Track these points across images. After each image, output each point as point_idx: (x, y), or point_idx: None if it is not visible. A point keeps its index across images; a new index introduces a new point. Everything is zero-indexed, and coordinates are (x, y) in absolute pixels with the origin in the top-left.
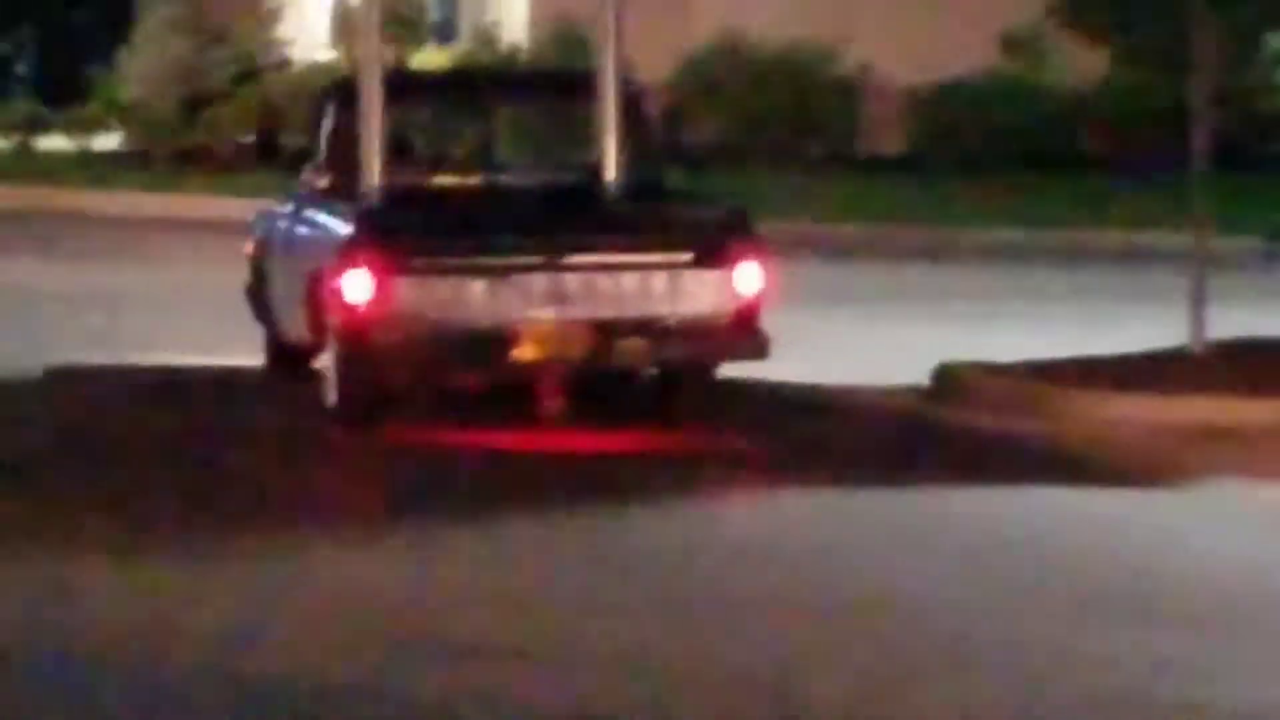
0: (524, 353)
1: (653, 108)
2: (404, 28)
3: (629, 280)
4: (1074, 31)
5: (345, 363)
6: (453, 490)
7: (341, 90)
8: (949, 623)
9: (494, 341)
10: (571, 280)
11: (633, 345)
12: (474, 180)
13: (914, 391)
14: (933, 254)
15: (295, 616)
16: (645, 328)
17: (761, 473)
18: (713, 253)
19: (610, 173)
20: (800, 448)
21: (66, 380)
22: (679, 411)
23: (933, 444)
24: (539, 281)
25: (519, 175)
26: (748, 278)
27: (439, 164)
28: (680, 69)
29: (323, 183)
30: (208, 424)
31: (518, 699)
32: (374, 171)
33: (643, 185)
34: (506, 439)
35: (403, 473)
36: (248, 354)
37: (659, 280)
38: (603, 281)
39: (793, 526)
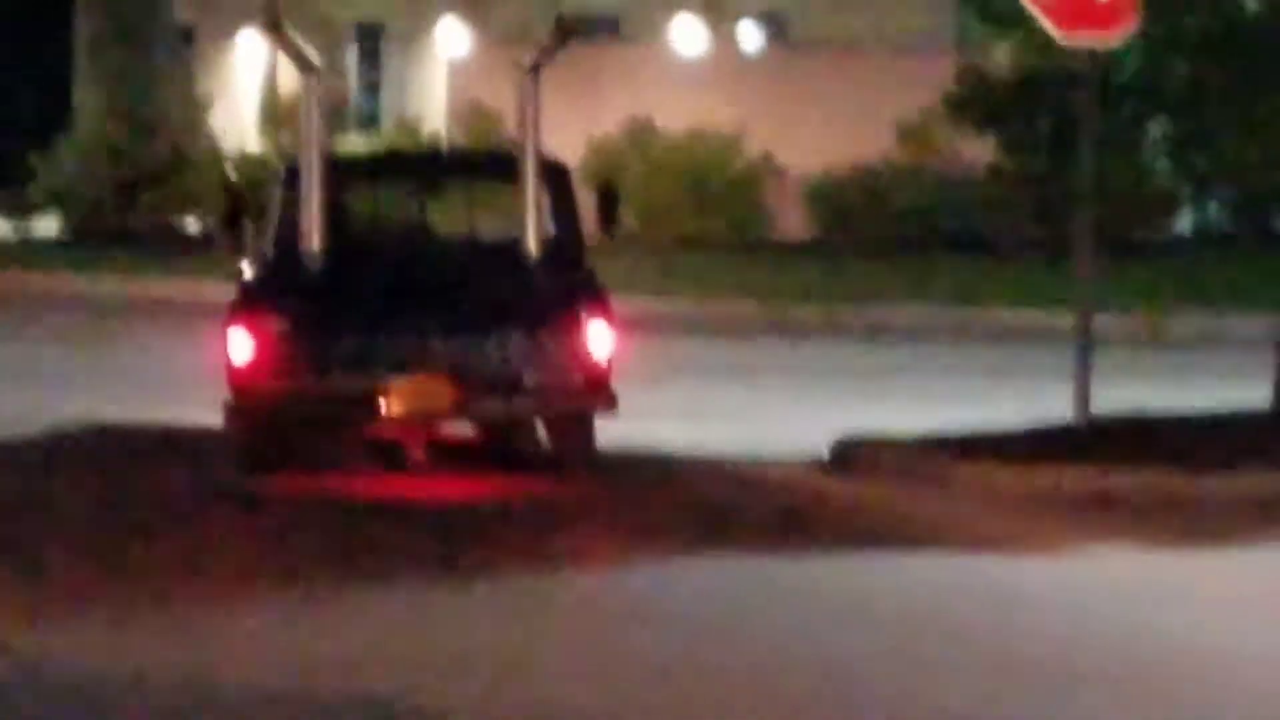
0: (390, 408)
1: (573, 188)
2: (330, 116)
3: (488, 343)
4: (961, 123)
5: (231, 415)
6: (329, 541)
7: (286, 172)
8: (840, 683)
9: (362, 398)
10: (436, 344)
11: (489, 402)
12: (386, 251)
13: (813, 462)
14: (831, 331)
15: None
16: (501, 386)
17: (655, 535)
18: (564, 320)
19: (530, 245)
20: (701, 514)
21: None
22: (564, 469)
23: (829, 512)
24: (404, 344)
25: (427, 247)
26: (597, 342)
27: (365, 237)
28: (590, 155)
29: (268, 254)
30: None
31: None
32: (313, 243)
33: (541, 257)
34: (384, 486)
35: (269, 523)
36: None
37: (516, 344)
38: (463, 344)
39: (691, 589)
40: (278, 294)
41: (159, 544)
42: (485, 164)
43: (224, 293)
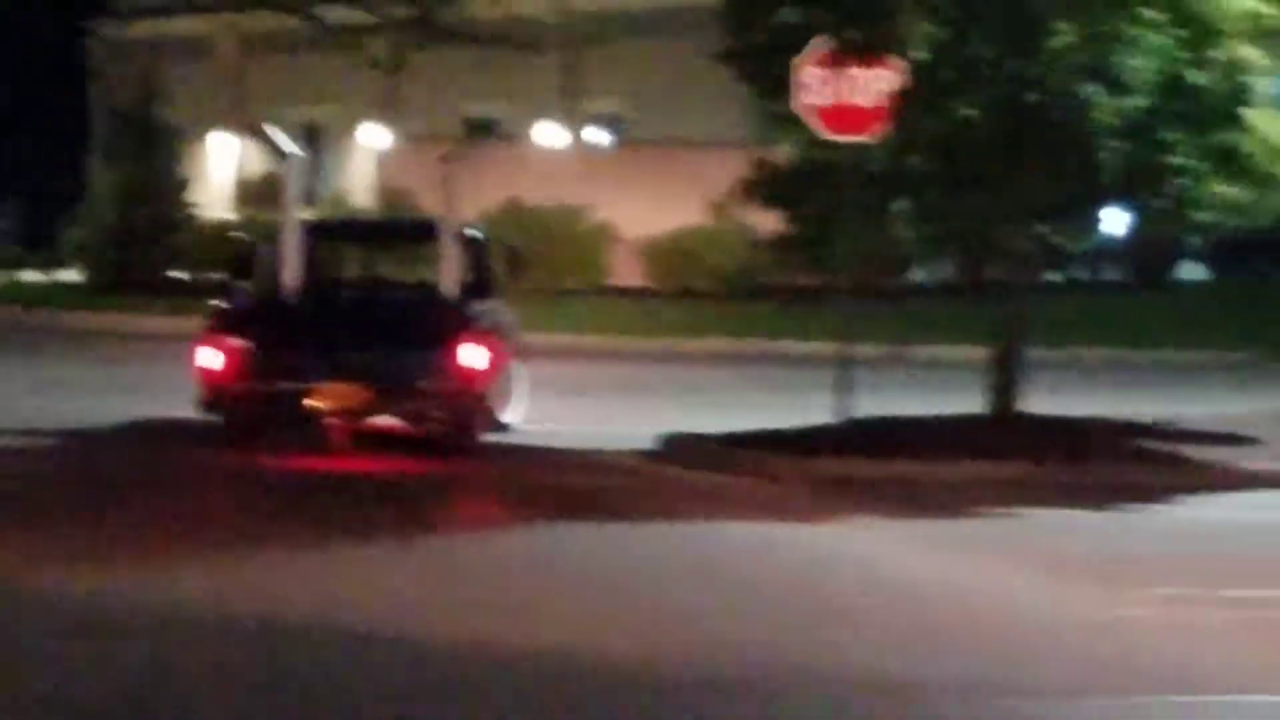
0: (316, 404)
1: (486, 249)
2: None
3: (393, 359)
4: (753, 200)
5: (199, 408)
6: (281, 501)
7: (268, 236)
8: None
9: (296, 396)
10: (353, 359)
11: (392, 402)
12: (334, 292)
13: (645, 453)
14: (655, 357)
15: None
16: (402, 391)
17: (526, 504)
18: (448, 343)
19: (446, 289)
20: (561, 489)
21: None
22: (453, 453)
23: (656, 489)
24: (330, 360)
25: (366, 292)
26: (473, 360)
27: (323, 281)
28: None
29: (242, 292)
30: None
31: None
32: (290, 286)
33: (452, 299)
34: (312, 462)
35: (241, 490)
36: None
37: (413, 360)
38: (374, 360)
39: (558, 545)
40: (236, 322)
41: (181, 502)
42: (418, 229)
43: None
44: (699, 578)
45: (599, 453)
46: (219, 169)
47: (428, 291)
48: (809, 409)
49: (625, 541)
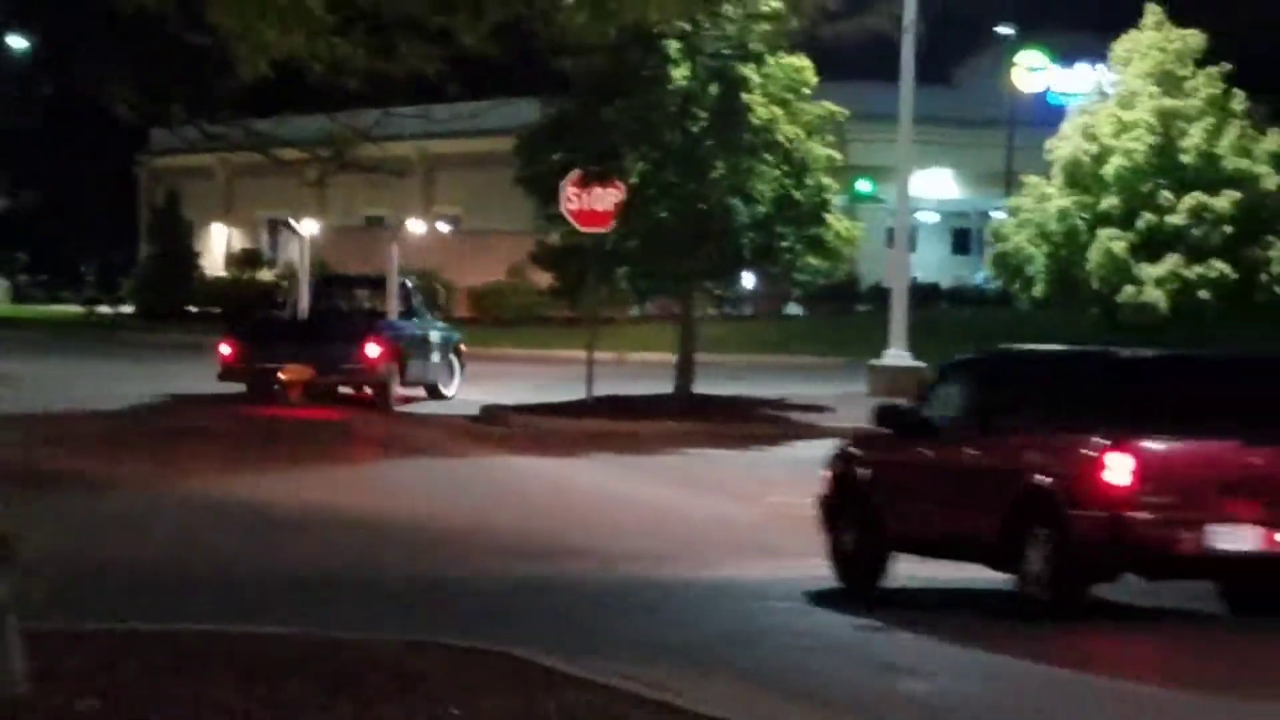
0: (284, 377)
1: (410, 291)
2: (253, 258)
3: (327, 349)
4: (537, 266)
5: (221, 379)
6: (262, 437)
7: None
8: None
9: (271, 373)
10: (305, 350)
11: (328, 377)
12: (311, 316)
13: (471, 417)
14: (489, 360)
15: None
16: (330, 372)
17: (402, 445)
18: (360, 341)
19: (389, 314)
20: (422, 437)
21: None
22: (373, 409)
23: (469, 437)
24: (292, 351)
25: (331, 314)
26: (371, 352)
27: (312, 309)
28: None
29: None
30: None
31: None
32: (303, 310)
33: (377, 319)
34: (281, 411)
35: (243, 430)
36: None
37: (338, 350)
38: (318, 351)
39: (425, 473)
40: (243, 330)
41: (219, 438)
42: (374, 281)
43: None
44: (485, 487)
45: (449, 417)
46: (216, 246)
47: (368, 314)
48: (572, 391)
49: (443, 467)
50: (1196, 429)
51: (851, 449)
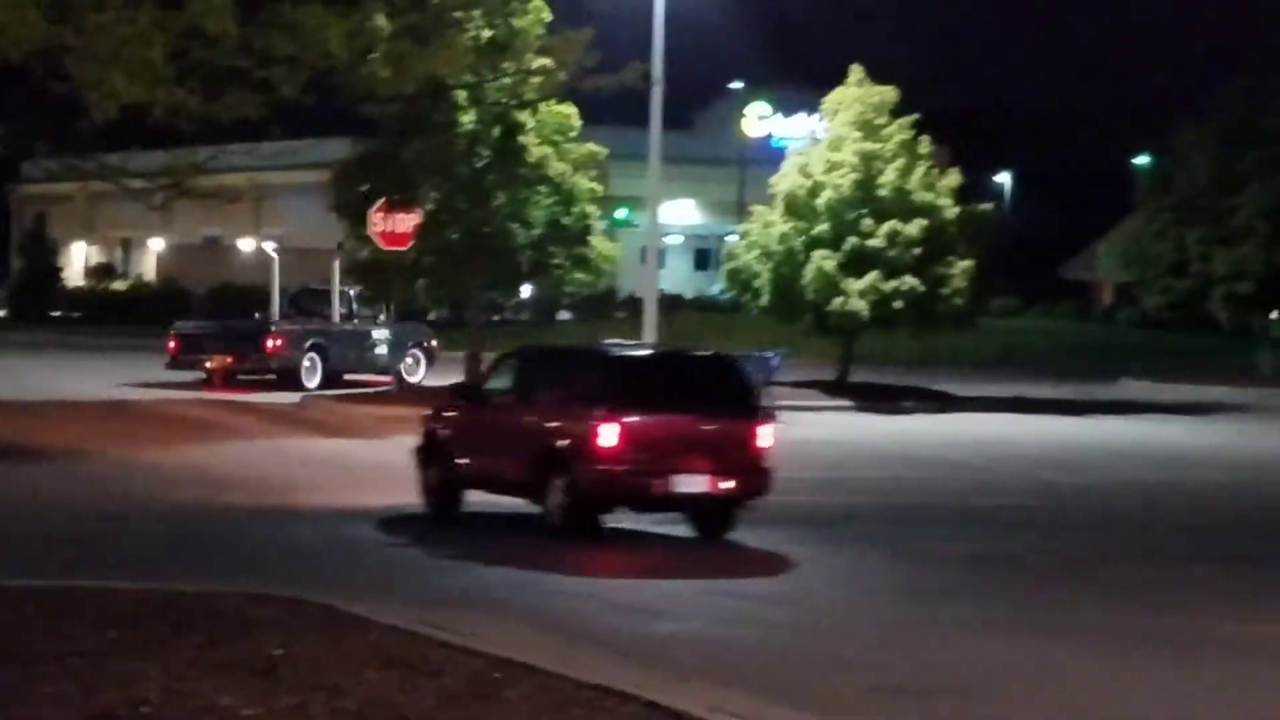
0: (210, 365)
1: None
2: (108, 271)
3: (239, 345)
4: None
5: (168, 368)
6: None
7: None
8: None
9: (202, 362)
10: (225, 346)
11: (244, 365)
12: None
13: (296, 403)
14: None
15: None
16: (243, 361)
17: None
18: (262, 338)
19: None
20: (227, 421)
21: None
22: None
23: (287, 420)
24: (216, 347)
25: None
26: (270, 345)
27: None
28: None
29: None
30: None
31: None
32: (274, 314)
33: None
34: (217, 391)
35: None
36: None
37: (246, 346)
38: (232, 347)
39: (263, 451)
40: (181, 332)
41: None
42: (303, 292)
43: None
44: (291, 460)
45: (290, 402)
46: (77, 260)
47: (268, 320)
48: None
49: (269, 446)
50: (664, 406)
51: (437, 412)
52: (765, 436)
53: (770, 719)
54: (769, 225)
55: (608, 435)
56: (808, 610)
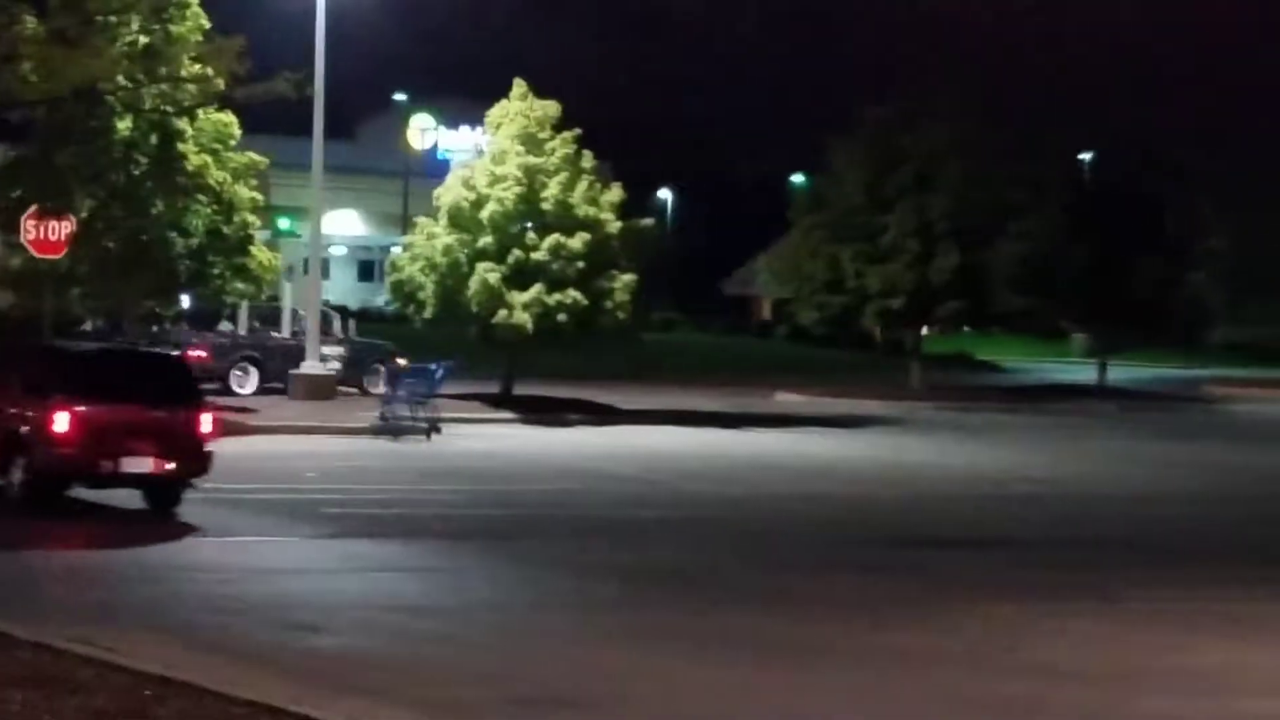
0: None
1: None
2: None
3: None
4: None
5: None
6: None
7: None
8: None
9: None
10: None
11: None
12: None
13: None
14: None
15: None
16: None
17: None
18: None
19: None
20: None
21: None
22: None
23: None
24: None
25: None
26: (193, 355)
27: None
28: None
29: None
30: None
31: None
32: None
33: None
34: None
35: None
36: None
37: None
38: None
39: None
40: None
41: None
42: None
43: None
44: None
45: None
46: None
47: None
48: None
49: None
50: (115, 396)
51: None
52: (206, 424)
53: None
54: (433, 237)
55: (61, 422)
56: (461, 623)
